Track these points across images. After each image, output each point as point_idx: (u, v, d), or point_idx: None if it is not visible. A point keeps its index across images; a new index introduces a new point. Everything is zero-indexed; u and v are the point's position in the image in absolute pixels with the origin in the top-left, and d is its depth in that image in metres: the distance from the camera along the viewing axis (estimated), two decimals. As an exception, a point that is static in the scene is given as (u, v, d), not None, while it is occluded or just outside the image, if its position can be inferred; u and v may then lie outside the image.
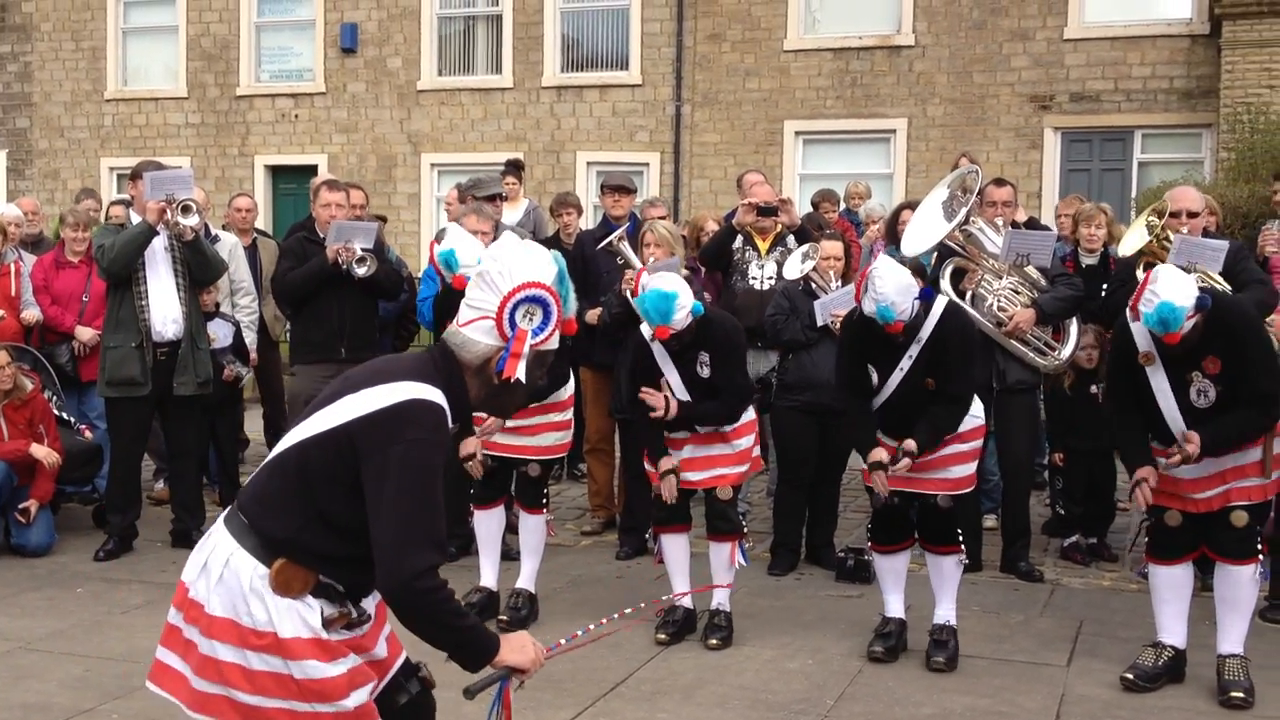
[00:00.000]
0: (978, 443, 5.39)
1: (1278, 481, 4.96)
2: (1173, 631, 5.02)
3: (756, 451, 5.82)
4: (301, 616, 2.76)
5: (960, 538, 5.38)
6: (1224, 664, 4.90)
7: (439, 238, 6.02)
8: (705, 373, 5.52)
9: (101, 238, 6.98)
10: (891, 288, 4.91)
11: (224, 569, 2.78)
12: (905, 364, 5.14)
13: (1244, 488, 4.85)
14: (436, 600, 2.69)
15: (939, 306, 5.21)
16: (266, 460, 2.90)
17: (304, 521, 2.76)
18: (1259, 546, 4.91)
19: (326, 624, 2.78)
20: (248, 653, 2.75)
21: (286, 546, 2.76)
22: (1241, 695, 4.76)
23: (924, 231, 6.48)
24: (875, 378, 5.22)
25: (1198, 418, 4.74)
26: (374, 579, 2.77)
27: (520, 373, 2.82)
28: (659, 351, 5.54)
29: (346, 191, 7.40)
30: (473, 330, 2.85)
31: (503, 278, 2.84)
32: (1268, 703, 4.81)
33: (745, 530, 5.74)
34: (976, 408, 5.34)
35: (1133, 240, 6.17)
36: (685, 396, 5.51)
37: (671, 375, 5.53)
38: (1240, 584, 4.88)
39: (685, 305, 5.23)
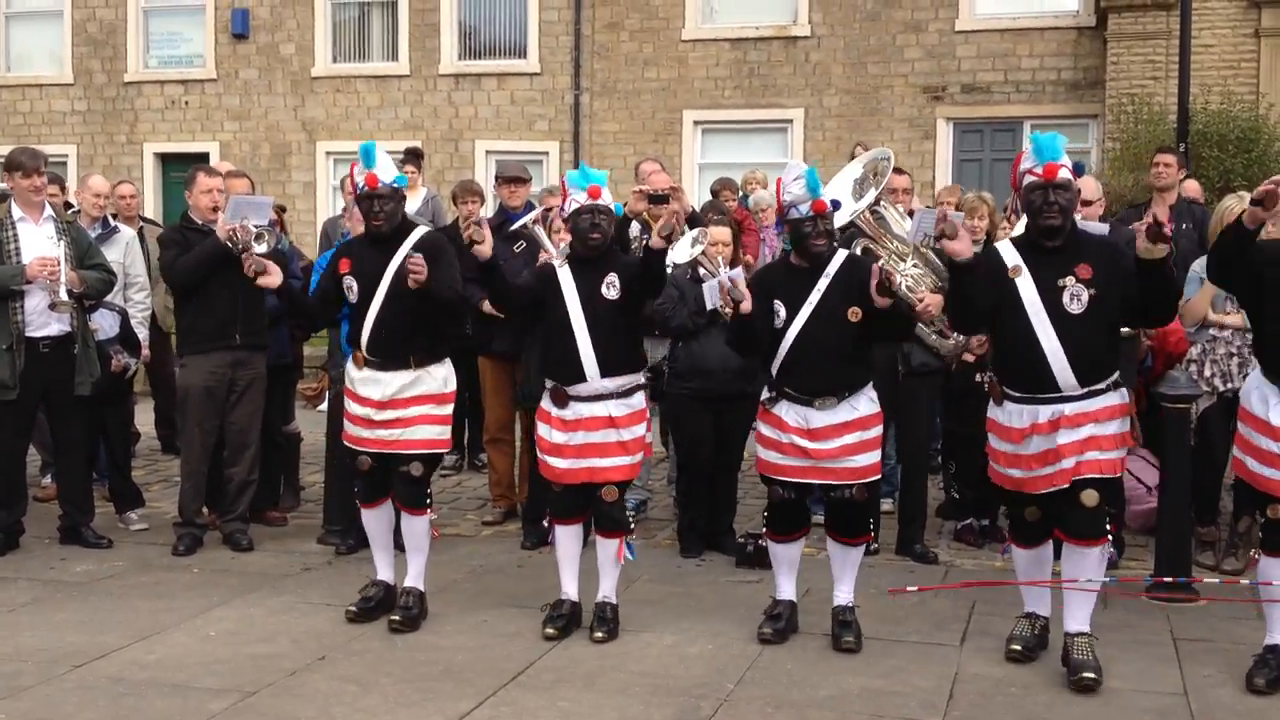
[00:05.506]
0: (878, 429, 5.37)
1: (1125, 459, 5.02)
2: (1039, 603, 5.26)
3: (649, 438, 5.68)
4: None
5: (873, 526, 5.43)
6: (1072, 642, 4.93)
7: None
8: (612, 294, 5.41)
9: None
10: (803, 171, 5.28)
11: None
12: (814, 298, 5.22)
13: (1096, 460, 4.83)
14: None
15: (843, 253, 5.43)
16: None
17: None
18: (1107, 526, 4.94)
19: None
20: None
21: None
22: (1092, 675, 4.79)
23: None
24: (783, 315, 5.26)
25: (1070, 327, 4.80)
26: None
27: None
28: (564, 276, 5.46)
29: (223, 177, 7.24)
30: None
31: None
32: (1112, 670, 4.95)
33: (633, 527, 5.62)
34: (874, 393, 5.39)
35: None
36: (580, 319, 5.39)
37: (572, 299, 5.42)
38: (1087, 564, 4.91)
39: (608, 199, 5.49)
